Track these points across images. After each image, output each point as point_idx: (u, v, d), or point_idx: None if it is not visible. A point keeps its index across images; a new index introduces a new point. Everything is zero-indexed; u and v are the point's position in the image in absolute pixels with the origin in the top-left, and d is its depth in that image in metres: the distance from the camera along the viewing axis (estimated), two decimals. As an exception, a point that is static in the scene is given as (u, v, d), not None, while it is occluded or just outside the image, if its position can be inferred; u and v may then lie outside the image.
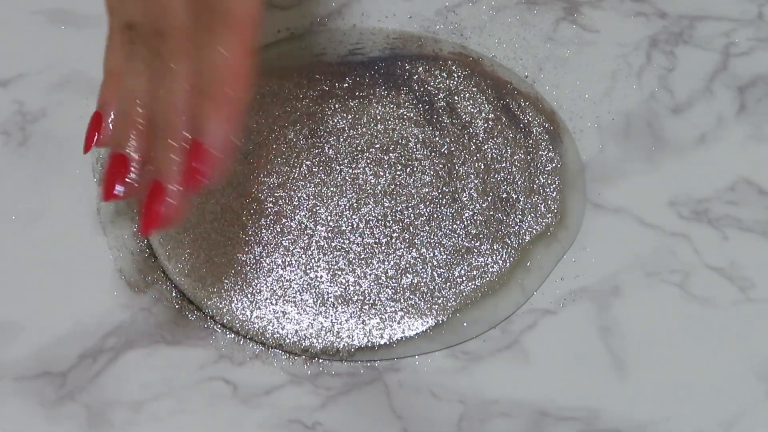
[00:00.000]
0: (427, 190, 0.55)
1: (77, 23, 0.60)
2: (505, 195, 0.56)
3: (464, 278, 0.54)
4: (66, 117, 0.58)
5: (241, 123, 0.46)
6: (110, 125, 0.48)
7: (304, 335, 0.53)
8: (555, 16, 0.60)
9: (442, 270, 0.54)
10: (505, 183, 0.56)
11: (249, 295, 0.53)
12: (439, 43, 0.61)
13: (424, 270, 0.54)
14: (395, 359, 0.52)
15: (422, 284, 0.54)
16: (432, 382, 0.52)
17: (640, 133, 0.58)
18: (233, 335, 0.53)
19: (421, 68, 0.59)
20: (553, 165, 0.57)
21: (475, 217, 0.55)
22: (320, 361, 0.52)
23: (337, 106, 0.58)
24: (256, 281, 0.54)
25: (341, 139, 0.57)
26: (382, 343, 0.53)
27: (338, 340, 0.53)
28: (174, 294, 0.54)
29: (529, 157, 0.57)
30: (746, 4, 0.61)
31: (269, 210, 0.55)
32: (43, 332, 0.53)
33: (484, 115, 0.58)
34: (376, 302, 0.53)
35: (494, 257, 0.54)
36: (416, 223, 0.55)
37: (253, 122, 0.57)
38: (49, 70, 0.59)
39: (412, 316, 0.53)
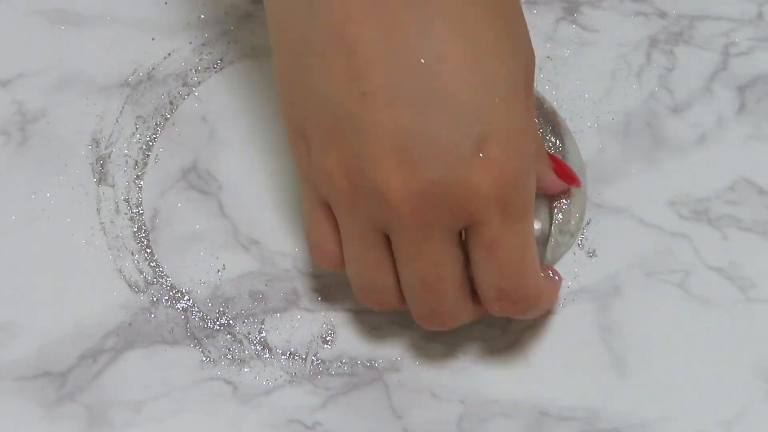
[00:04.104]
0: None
1: (77, 23, 0.60)
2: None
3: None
4: (66, 117, 0.57)
5: None
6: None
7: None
8: (555, 16, 0.60)
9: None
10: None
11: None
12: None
13: None
14: (395, 359, 0.52)
15: None
16: (432, 382, 0.52)
17: (640, 133, 0.57)
18: (233, 335, 0.53)
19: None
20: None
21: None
22: (320, 361, 0.52)
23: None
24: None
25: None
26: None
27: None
28: (174, 294, 0.54)
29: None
30: (746, 4, 0.61)
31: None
32: (43, 332, 0.53)
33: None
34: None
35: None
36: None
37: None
38: (49, 70, 0.59)
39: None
